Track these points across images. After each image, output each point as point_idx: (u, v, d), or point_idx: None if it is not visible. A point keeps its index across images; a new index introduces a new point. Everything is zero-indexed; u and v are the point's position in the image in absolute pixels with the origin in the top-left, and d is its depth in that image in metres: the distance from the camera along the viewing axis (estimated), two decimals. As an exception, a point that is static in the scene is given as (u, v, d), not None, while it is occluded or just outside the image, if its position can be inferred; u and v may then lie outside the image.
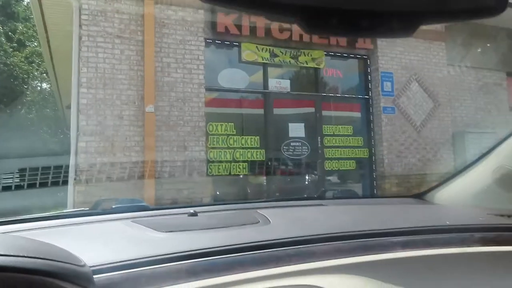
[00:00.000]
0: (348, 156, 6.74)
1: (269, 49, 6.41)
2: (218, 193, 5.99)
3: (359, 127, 7.02)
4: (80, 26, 5.29)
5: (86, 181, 4.75)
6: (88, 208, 1.40)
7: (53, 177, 2.53)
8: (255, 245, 0.79)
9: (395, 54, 7.24)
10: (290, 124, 6.43)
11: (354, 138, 6.87)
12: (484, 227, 1.01)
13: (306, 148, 6.44)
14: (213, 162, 5.77)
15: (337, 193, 1.60)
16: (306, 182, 6.67)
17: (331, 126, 6.73)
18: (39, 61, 16.50)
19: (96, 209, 1.37)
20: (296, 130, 6.43)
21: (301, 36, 6.43)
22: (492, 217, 1.10)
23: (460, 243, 0.94)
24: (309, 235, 0.86)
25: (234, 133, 5.98)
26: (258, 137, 6.13)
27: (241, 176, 5.98)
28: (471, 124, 7.85)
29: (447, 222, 1.02)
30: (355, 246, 0.86)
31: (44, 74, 16.75)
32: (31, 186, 2.46)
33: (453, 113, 7.68)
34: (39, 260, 0.48)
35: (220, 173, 5.79)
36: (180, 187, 5.32)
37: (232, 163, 5.87)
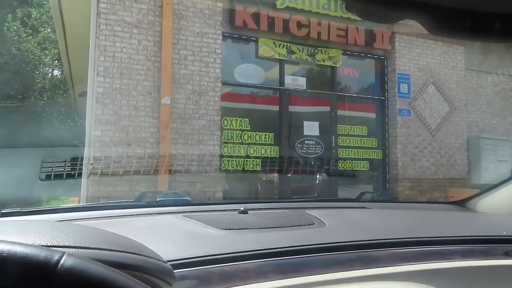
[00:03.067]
0: (361, 157, 6.68)
1: (286, 45, 6.35)
2: (227, 187, 5.95)
3: (374, 128, 6.95)
4: (98, 14, 5.26)
5: (101, 170, 4.73)
6: (133, 200, 1.38)
7: (71, 168, 2.46)
8: (319, 247, 0.79)
9: (412, 56, 7.14)
10: (304, 122, 6.38)
11: (368, 139, 6.80)
12: None
13: (320, 147, 6.38)
14: (226, 157, 5.74)
15: (377, 196, 1.60)
16: (317, 181, 6.62)
17: (345, 126, 6.66)
18: (51, 47, 16.51)
19: (140, 201, 1.35)
20: (311, 128, 6.37)
21: (319, 33, 6.37)
22: None
23: None
24: (368, 240, 0.86)
25: (249, 128, 5.94)
26: (272, 133, 6.08)
27: (254, 172, 5.94)
28: (486, 130, 7.76)
29: (504, 232, 0.99)
30: (415, 253, 0.85)
31: (56, 61, 16.76)
32: (48, 177, 2.38)
33: (469, 117, 7.58)
34: (134, 255, 0.47)
35: (234, 169, 5.77)
36: (193, 180, 5.29)
37: (246, 159, 5.83)
